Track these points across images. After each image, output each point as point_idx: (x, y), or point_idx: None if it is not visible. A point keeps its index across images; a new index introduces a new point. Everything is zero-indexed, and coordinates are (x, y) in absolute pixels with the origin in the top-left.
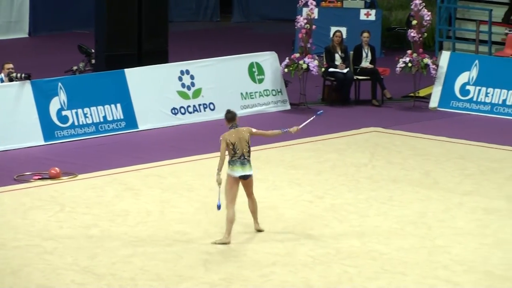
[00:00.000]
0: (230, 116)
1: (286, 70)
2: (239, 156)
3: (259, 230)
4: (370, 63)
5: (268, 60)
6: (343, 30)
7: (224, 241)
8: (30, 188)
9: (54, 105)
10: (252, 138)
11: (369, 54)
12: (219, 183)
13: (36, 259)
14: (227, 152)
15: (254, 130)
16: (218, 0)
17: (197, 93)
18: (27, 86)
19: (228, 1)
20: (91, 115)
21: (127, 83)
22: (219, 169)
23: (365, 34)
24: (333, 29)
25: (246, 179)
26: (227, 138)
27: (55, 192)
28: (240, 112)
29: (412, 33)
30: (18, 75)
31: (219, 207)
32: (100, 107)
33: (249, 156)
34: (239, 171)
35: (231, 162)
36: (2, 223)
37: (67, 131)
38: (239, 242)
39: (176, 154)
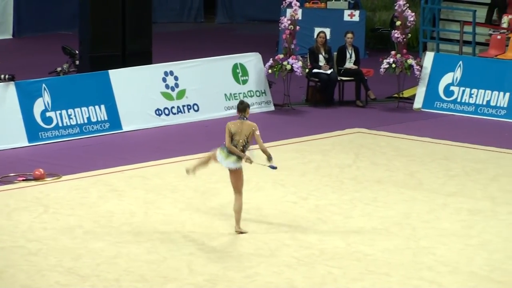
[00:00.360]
0: (241, 107)
1: (270, 71)
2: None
3: (240, 232)
4: (354, 64)
5: (252, 61)
6: (327, 31)
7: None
8: (14, 189)
9: (38, 106)
10: None
11: (353, 55)
12: (250, 161)
13: (20, 260)
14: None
15: (257, 132)
16: (202, 1)
17: (181, 94)
18: (11, 87)
19: (212, 2)
20: (75, 116)
21: (111, 84)
22: (238, 154)
23: (349, 35)
24: (317, 30)
25: (230, 171)
26: (230, 126)
27: (40, 193)
28: (223, 113)
29: (396, 34)
30: (2, 76)
31: (273, 167)
32: (84, 108)
33: (242, 150)
34: (221, 158)
35: (222, 147)
36: None
37: (51, 132)
38: (223, 243)
39: (160, 155)
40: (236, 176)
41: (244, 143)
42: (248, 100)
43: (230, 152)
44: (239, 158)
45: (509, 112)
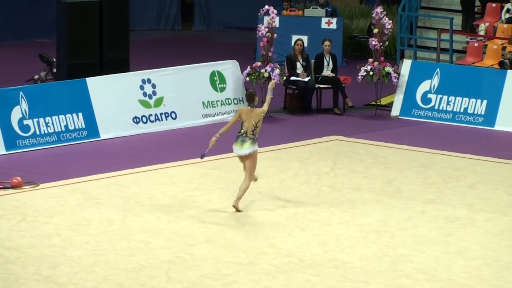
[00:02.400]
0: (250, 97)
1: (247, 78)
2: (242, 133)
3: (237, 210)
4: (332, 71)
5: (230, 68)
6: (305, 38)
7: (233, 205)
8: None
9: (15, 114)
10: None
11: (331, 62)
12: (211, 143)
13: None
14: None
15: (265, 108)
16: (180, 9)
17: (158, 102)
18: None
19: (189, 9)
20: (52, 124)
21: (89, 92)
22: (219, 132)
23: (326, 43)
24: (295, 38)
25: (242, 157)
26: (242, 112)
27: (17, 202)
28: (201, 121)
29: (374, 41)
30: None
31: (202, 156)
32: (61, 116)
33: (252, 135)
34: (237, 148)
35: (235, 138)
36: None
37: (28, 140)
38: (201, 251)
39: (138, 163)
40: (250, 159)
41: (253, 128)
42: (225, 108)
43: (243, 140)
44: (254, 142)
45: (486, 120)
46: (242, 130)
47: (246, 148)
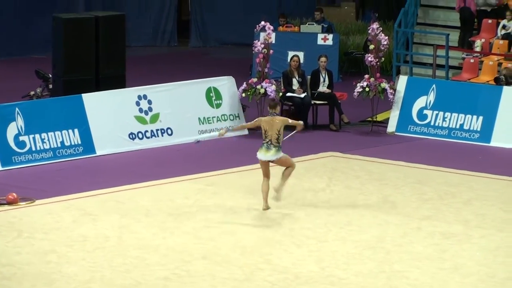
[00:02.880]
0: (272, 104)
1: (243, 94)
2: (267, 141)
3: (277, 193)
4: (328, 87)
5: (226, 84)
6: (301, 54)
7: (263, 208)
8: None
9: (11, 130)
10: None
11: (327, 78)
12: (219, 134)
13: None
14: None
15: (290, 121)
16: (176, 25)
17: (154, 118)
18: None
19: (186, 26)
20: (48, 140)
21: (85, 108)
22: (233, 128)
23: (323, 59)
24: (291, 54)
25: (273, 161)
26: (262, 121)
27: (13, 218)
28: (197, 137)
29: (370, 57)
30: None
31: (197, 141)
32: (57, 132)
33: (277, 143)
34: (261, 154)
35: (261, 145)
36: None
37: (24, 157)
38: (197, 267)
39: (134, 179)
40: (279, 162)
41: (277, 136)
42: (222, 124)
43: (268, 148)
44: (278, 149)
45: (482, 136)
46: (267, 139)
47: (271, 155)
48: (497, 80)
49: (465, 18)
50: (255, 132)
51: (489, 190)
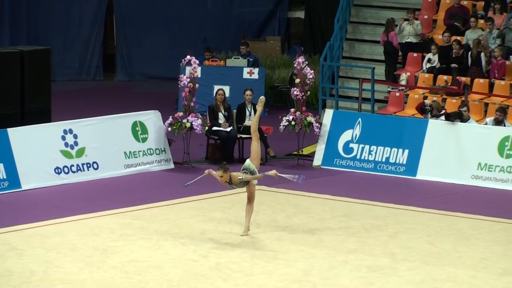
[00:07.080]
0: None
1: (169, 129)
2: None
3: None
4: None
5: (152, 119)
6: (226, 88)
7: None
8: None
9: None
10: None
11: (253, 112)
12: (205, 173)
13: None
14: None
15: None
16: (101, 59)
17: (80, 153)
18: None
19: (111, 60)
20: None
21: (10, 142)
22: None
23: (248, 92)
24: (216, 88)
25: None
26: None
27: None
28: (123, 172)
29: (296, 91)
30: None
31: (187, 185)
32: None
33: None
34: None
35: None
36: None
37: None
38: None
39: (60, 213)
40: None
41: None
42: (147, 158)
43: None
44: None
45: (408, 169)
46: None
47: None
48: (422, 111)
49: (389, 52)
50: (181, 166)
51: (415, 223)
